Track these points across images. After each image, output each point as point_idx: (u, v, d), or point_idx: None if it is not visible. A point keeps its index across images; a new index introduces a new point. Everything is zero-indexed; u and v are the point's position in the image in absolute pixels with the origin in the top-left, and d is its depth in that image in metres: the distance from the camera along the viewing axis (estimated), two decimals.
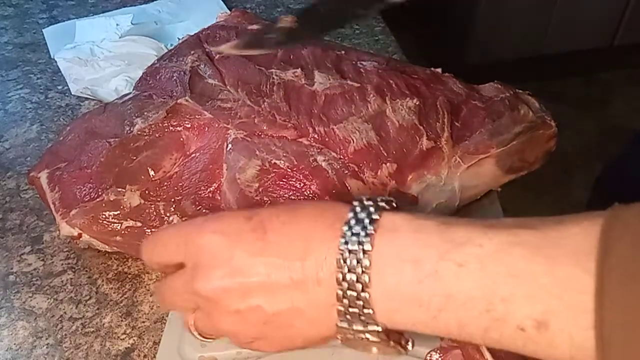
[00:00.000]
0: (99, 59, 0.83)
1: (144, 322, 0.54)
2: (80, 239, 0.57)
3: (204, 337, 0.44)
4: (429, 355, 0.48)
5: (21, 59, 0.88)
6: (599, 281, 0.29)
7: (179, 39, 0.70)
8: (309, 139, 0.54)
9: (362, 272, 0.35)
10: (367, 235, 0.35)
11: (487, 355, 0.45)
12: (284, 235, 0.38)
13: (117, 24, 0.89)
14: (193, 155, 0.57)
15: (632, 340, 0.28)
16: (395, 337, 0.37)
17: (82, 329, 0.54)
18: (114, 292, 0.57)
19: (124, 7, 0.98)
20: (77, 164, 0.58)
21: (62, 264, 0.59)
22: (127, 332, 0.53)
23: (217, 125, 0.57)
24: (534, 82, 1.53)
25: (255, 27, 0.67)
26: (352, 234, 0.35)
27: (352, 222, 0.36)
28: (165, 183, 0.56)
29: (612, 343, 0.29)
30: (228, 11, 0.75)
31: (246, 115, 0.56)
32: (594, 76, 2.14)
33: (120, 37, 0.86)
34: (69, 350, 0.52)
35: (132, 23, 0.89)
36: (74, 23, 0.92)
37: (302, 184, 0.51)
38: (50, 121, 0.77)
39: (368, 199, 0.38)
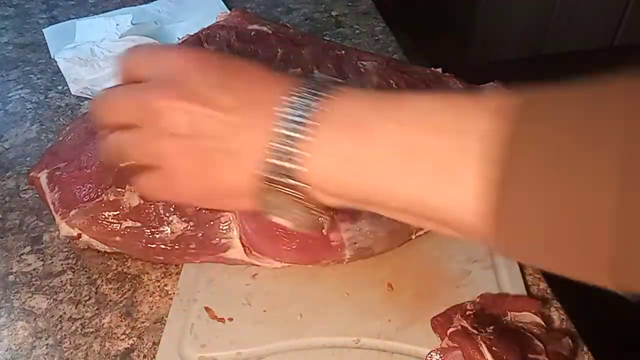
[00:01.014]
0: (99, 59, 0.83)
1: (143, 322, 0.54)
2: (80, 239, 0.57)
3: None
4: (429, 355, 0.48)
5: (21, 59, 0.88)
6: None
7: (179, 39, 0.70)
8: None
9: (303, 130, 0.35)
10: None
11: (487, 355, 0.45)
12: (244, 77, 0.39)
13: (117, 24, 0.89)
14: None
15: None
16: (313, 201, 0.37)
17: (81, 329, 0.54)
18: (114, 293, 0.57)
19: (124, 7, 0.98)
20: (76, 164, 0.58)
21: (62, 264, 0.59)
22: (127, 332, 0.53)
23: None
24: (534, 82, 1.52)
25: (255, 27, 0.67)
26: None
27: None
28: None
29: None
30: (228, 11, 0.75)
31: None
32: (594, 76, 2.14)
33: (120, 37, 0.86)
34: (69, 351, 0.52)
35: (132, 23, 0.89)
36: (74, 23, 0.92)
37: None
38: (50, 121, 0.77)
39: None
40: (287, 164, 0.35)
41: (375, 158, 0.34)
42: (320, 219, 0.38)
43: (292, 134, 0.35)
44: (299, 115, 0.35)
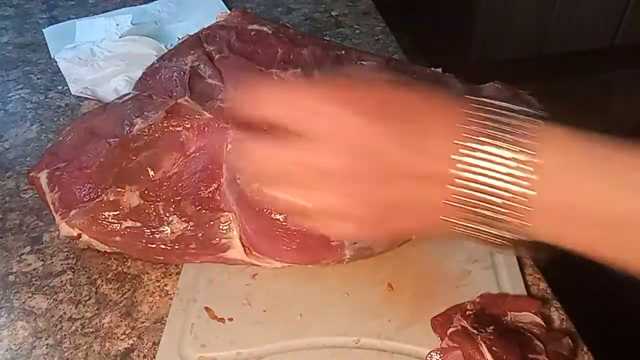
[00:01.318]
0: (99, 59, 0.83)
1: (143, 322, 0.54)
2: (80, 239, 0.57)
3: None
4: (429, 355, 0.48)
5: (21, 59, 0.88)
6: None
7: (179, 39, 0.70)
8: None
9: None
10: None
11: (487, 355, 0.45)
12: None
13: (117, 24, 0.89)
14: (193, 155, 0.57)
15: None
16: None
17: (81, 329, 0.54)
18: (114, 293, 0.57)
19: (124, 7, 0.98)
20: (76, 164, 0.58)
21: (62, 264, 0.59)
22: (127, 332, 0.53)
23: (217, 125, 0.56)
24: (534, 82, 1.52)
25: (255, 27, 0.67)
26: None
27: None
28: (165, 183, 0.56)
29: None
30: (228, 11, 0.75)
31: None
32: (594, 76, 2.14)
33: (120, 37, 0.86)
34: (69, 351, 0.52)
35: (132, 23, 0.89)
36: (74, 23, 0.92)
37: None
38: (50, 121, 0.77)
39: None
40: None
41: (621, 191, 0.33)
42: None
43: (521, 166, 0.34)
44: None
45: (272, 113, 0.39)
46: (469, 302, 0.51)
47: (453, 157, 0.35)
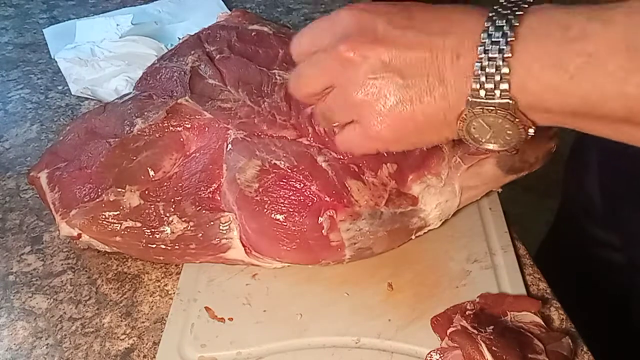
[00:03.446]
0: (99, 59, 0.83)
1: (143, 322, 0.54)
2: (80, 239, 0.57)
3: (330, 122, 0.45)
4: (429, 355, 0.48)
5: (21, 59, 0.88)
6: None
7: (179, 39, 0.70)
8: (308, 138, 0.54)
9: (506, 42, 0.36)
10: (513, 15, 0.36)
11: (487, 355, 0.45)
12: (428, 15, 0.39)
13: (117, 24, 0.89)
14: (193, 155, 0.57)
15: None
16: (520, 116, 0.38)
17: (81, 329, 0.54)
18: (114, 292, 0.57)
19: (124, 7, 0.98)
20: (77, 164, 0.58)
21: (62, 264, 0.59)
22: (127, 332, 0.53)
23: (217, 125, 0.57)
24: None
25: (256, 27, 0.67)
26: (500, 13, 0.37)
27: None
28: (165, 183, 0.56)
29: None
30: (228, 11, 0.75)
31: (246, 115, 0.56)
32: None
33: (120, 37, 0.86)
34: (69, 351, 0.52)
35: (132, 23, 0.89)
36: (74, 23, 0.92)
37: (302, 185, 0.51)
38: (50, 121, 0.77)
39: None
40: (493, 85, 0.36)
41: (594, 58, 0.34)
42: (523, 127, 0.38)
43: (495, 55, 0.36)
44: (501, 35, 0.36)
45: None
46: (469, 302, 0.51)
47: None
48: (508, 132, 0.39)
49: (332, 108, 0.43)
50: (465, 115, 0.38)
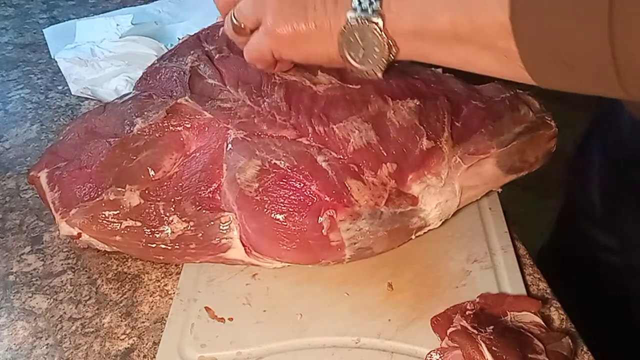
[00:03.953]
0: (99, 59, 0.83)
1: (143, 322, 0.54)
2: (80, 238, 0.57)
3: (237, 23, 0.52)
4: (429, 355, 0.48)
5: (21, 59, 0.88)
6: None
7: (179, 39, 0.70)
8: (308, 138, 0.54)
9: None
10: None
11: (487, 355, 0.45)
12: None
13: (117, 24, 0.89)
14: (193, 155, 0.57)
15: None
16: (387, 34, 0.45)
17: (81, 329, 0.54)
18: (114, 292, 0.57)
19: (124, 7, 0.98)
20: (76, 163, 0.58)
21: (62, 264, 0.59)
22: (127, 332, 0.53)
23: (217, 125, 0.57)
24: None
25: None
26: None
27: None
28: (165, 183, 0.56)
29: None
30: None
31: (246, 115, 0.56)
32: None
33: (120, 37, 0.86)
34: (69, 351, 0.52)
35: (132, 23, 0.89)
36: (74, 23, 0.92)
37: (301, 184, 0.51)
38: (50, 121, 0.77)
39: None
40: (368, 2, 0.44)
41: None
42: (386, 54, 0.46)
43: None
44: None
45: None
46: (469, 302, 0.51)
47: None
48: (376, 49, 0.46)
49: (240, 9, 0.51)
50: (344, 28, 0.46)
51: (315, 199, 0.51)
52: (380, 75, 0.48)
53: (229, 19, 0.53)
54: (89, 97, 0.80)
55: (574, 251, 0.81)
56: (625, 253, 0.70)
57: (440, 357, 0.47)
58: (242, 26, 0.52)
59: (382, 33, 0.45)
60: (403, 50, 0.46)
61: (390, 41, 0.45)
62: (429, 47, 0.45)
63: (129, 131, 0.58)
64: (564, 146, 0.64)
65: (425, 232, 0.56)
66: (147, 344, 0.52)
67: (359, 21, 0.45)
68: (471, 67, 0.45)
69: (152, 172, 0.56)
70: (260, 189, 0.52)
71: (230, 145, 0.55)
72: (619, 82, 0.36)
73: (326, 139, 0.54)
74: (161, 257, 0.56)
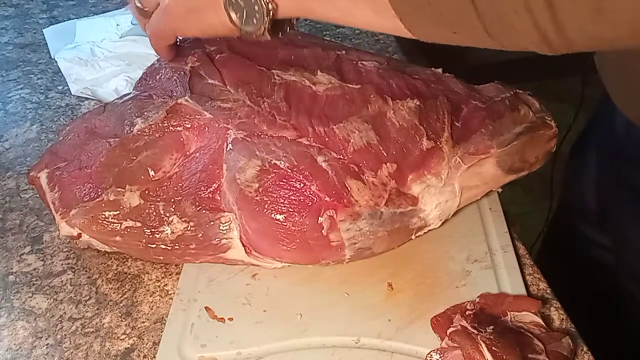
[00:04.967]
0: (99, 59, 0.83)
1: (143, 322, 0.54)
2: (80, 238, 0.57)
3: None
4: (429, 355, 0.48)
5: (21, 59, 0.88)
6: None
7: (179, 39, 0.70)
8: (308, 138, 0.54)
9: None
10: None
11: (487, 355, 0.45)
12: None
13: (117, 24, 0.89)
14: (193, 155, 0.57)
15: None
16: None
17: (81, 329, 0.54)
18: (114, 292, 0.57)
19: (124, 7, 0.97)
20: (76, 163, 0.58)
21: (62, 264, 0.59)
22: (127, 332, 0.53)
23: (217, 125, 0.57)
24: (534, 82, 1.52)
25: None
26: None
27: None
28: (165, 183, 0.56)
29: None
30: None
31: (246, 116, 0.56)
32: (594, 76, 2.14)
33: (120, 37, 0.86)
34: (69, 351, 0.52)
35: (132, 23, 0.89)
36: (74, 23, 0.92)
37: (302, 184, 0.51)
38: (50, 121, 0.77)
39: None
40: None
41: None
42: (266, 14, 0.46)
43: None
44: None
45: None
46: (469, 302, 0.51)
47: None
48: (255, 7, 0.46)
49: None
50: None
51: (315, 199, 0.51)
52: (268, 36, 0.48)
53: (133, 2, 0.56)
54: (89, 97, 0.80)
55: (569, 249, 0.81)
56: (619, 252, 0.71)
57: (440, 357, 0.47)
58: (146, 9, 0.55)
59: None
60: (284, 6, 0.46)
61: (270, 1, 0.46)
62: (310, 0, 0.45)
63: (129, 131, 0.58)
64: (564, 146, 0.64)
65: (425, 232, 0.56)
66: (147, 344, 0.52)
67: None
68: (353, 21, 0.45)
69: (152, 173, 0.56)
70: (260, 189, 0.52)
71: (230, 146, 0.55)
72: (481, 24, 0.36)
73: (326, 139, 0.54)
74: (161, 258, 0.56)
